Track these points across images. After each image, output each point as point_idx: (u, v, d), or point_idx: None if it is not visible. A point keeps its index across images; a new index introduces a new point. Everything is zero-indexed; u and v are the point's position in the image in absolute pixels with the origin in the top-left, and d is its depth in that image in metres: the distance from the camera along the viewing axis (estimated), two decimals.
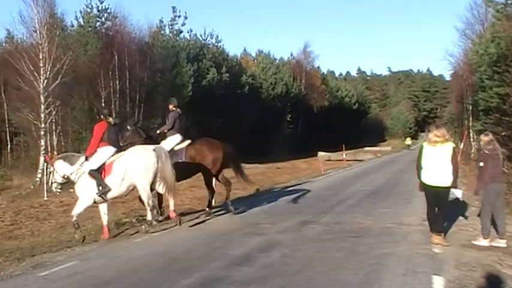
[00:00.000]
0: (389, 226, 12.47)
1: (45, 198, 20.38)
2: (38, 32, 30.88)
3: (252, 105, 53.80)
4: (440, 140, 10.07)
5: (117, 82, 35.26)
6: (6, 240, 12.86)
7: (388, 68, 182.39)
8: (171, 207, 12.40)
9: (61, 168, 11.83)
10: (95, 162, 11.44)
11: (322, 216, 14.50)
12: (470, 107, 46.82)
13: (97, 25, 39.80)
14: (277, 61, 72.97)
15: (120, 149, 11.82)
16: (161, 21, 48.55)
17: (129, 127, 13.99)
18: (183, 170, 13.43)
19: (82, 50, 36.50)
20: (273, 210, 16.17)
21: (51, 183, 12.34)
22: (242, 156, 45.53)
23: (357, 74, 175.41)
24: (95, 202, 11.67)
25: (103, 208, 11.85)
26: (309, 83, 76.92)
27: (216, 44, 56.71)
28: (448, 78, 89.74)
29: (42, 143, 30.00)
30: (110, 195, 11.52)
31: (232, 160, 14.98)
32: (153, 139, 14.25)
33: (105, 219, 11.87)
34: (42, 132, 30.07)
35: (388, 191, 21.51)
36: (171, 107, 14.66)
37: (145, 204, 11.73)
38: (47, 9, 31.67)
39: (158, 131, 14.94)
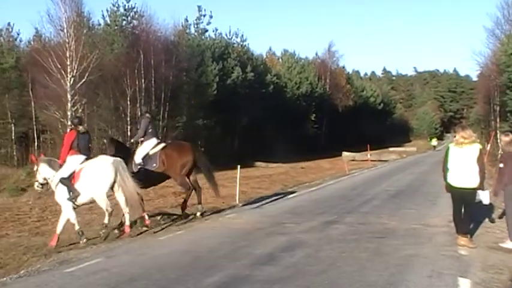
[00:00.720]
0: (415, 227, 12.37)
1: None
2: (65, 30, 31.20)
3: (276, 104, 53.77)
4: (467, 141, 9.97)
5: (143, 81, 35.49)
6: (34, 236, 13.01)
7: (414, 68, 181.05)
8: (126, 222, 11.83)
9: (44, 171, 12.04)
10: (65, 171, 11.61)
11: (347, 216, 14.44)
12: (498, 108, 46.32)
13: (123, 24, 40.12)
14: (302, 60, 72.84)
15: (89, 157, 11.91)
16: (186, 20, 48.84)
17: (105, 140, 14.12)
18: (151, 177, 13.51)
19: (108, 49, 36.78)
20: (296, 210, 16.14)
21: (35, 181, 12.59)
22: (267, 155, 45.50)
23: (382, 74, 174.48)
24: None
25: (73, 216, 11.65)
26: (333, 82, 76.73)
27: (241, 43, 56.73)
28: (474, 78, 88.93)
29: None
30: (79, 201, 11.56)
31: (203, 166, 14.47)
32: (124, 149, 14.28)
33: (60, 227, 11.49)
34: (68, 130, 30.29)
35: (413, 191, 21.34)
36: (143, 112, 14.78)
37: (104, 210, 11.60)
38: (74, 8, 32.04)
39: (132, 140, 15.01)
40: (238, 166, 21.01)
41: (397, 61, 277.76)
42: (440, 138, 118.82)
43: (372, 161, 47.73)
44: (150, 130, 14.12)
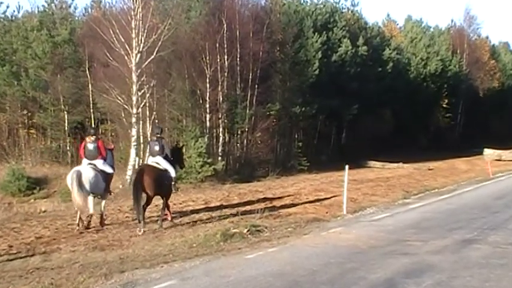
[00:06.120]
0: None
1: None
2: None
3: (396, 86, 53.15)
4: None
5: (226, 57, 35.73)
6: (91, 251, 13.22)
7: None
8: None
9: None
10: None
11: (491, 233, 14.20)
12: None
13: None
14: (432, 30, 71.56)
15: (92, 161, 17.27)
16: None
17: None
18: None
19: (183, 17, 37.14)
20: (423, 224, 16.00)
21: None
22: (383, 152, 45.10)
23: None
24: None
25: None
26: (473, 58, 74.85)
27: (352, 8, 56.38)
28: None
29: (134, 132, 30.60)
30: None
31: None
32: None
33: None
34: (133, 120, 30.60)
35: None
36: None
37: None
38: None
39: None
40: (346, 166, 20.83)
41: None
42: None
43: None
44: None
